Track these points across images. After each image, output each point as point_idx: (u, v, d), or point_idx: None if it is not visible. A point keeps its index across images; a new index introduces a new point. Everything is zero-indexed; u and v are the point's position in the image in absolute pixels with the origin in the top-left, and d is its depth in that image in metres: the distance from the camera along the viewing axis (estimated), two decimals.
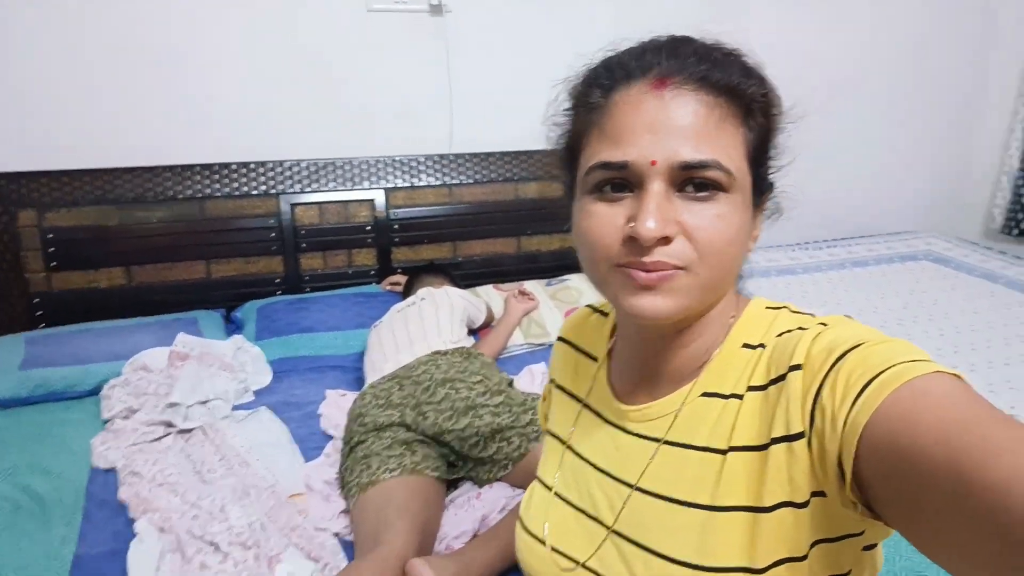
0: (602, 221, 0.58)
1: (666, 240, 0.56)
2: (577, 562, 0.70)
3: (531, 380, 1.90)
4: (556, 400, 0.82)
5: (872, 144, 3.31)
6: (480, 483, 1.53)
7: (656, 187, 0.56)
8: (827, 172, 3.14)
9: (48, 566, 1.31)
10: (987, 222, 3.56)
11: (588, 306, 0.85)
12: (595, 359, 0.78)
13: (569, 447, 0.76)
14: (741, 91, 0.58)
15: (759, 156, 0.61)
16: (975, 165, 3.54)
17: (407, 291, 2.25)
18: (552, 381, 0.85)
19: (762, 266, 2.90)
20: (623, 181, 0.58)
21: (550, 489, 0.76)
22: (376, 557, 1.21)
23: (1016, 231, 3.37)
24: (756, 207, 0.63)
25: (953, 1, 3.23)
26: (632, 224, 0.56)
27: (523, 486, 1.49)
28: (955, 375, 0.48)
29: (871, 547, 0.59)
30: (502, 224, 2.67)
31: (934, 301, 2.54)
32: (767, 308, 0.65)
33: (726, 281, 0.61)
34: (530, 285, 2.47)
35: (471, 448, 1.52)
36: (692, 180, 0.56)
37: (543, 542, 0.73)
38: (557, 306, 2.37)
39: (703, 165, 0.55)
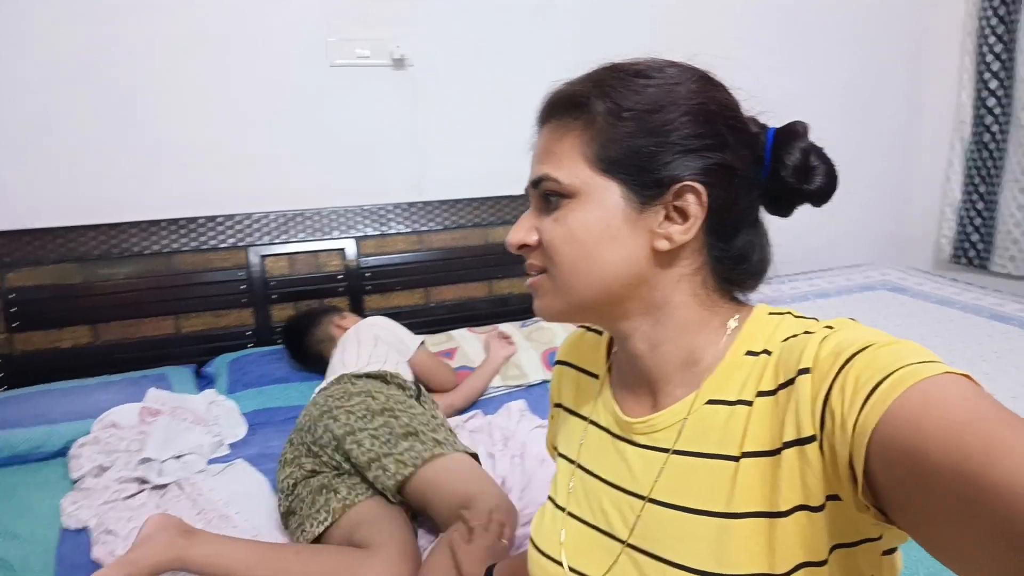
0: None
1: (528, 248, 0.68)
2: None
3: (507, 416, 1.89)
4: (562, 421, 0.83)
5: None
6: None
7: (531, 206, 0.69)
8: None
9: None
10: (936, 253, 3.71)
11: (581, 326, 0.87)
12: (596, 376, 0.80)
13: (579, 465, 0.76)
14: (576, 100, 0.65)
15: (620, 156, 0.63)
16: (917, 199, 3.70)
17: (310, 359, 2.17)
18: (557, 405, 0.86)
19: None
20: None
21: (563, 509, 0.76)
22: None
23: (964, 259, 3.51)
24: (652, 203, 0.63)
25: (885, 44, 3.43)
26: None
27: (417, 506, 1.45)
28: (964, 375, 0.48)
29: (890, 551, 0.59)
30: (473, 269, 2.68)
31: (896, 327, 2.62)
32: (770, 314, 0.66)
33: (594, 277, 0.64)
34: (505, 327, 2.47)
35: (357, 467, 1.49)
36: (544, 196, 0.67)
37: (559, 563, 0.72)
38: (533, 347, 2.38)
39: (536, 181, 0.67)
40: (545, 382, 2.30)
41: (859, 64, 3.41)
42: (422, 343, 2.02)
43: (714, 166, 0.63)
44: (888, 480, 0.47)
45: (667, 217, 0.63)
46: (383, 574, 1.20)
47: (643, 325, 0.67)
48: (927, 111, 3.59)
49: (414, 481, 1.41)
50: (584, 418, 0.78)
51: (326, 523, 1.38)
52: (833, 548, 0.55)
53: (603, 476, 0.72)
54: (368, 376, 1.72)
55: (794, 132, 0.67)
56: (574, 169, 0.64)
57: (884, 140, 3.57)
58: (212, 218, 2.40)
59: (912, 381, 0.47)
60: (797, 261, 3.43)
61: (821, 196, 0.67)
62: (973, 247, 3.47)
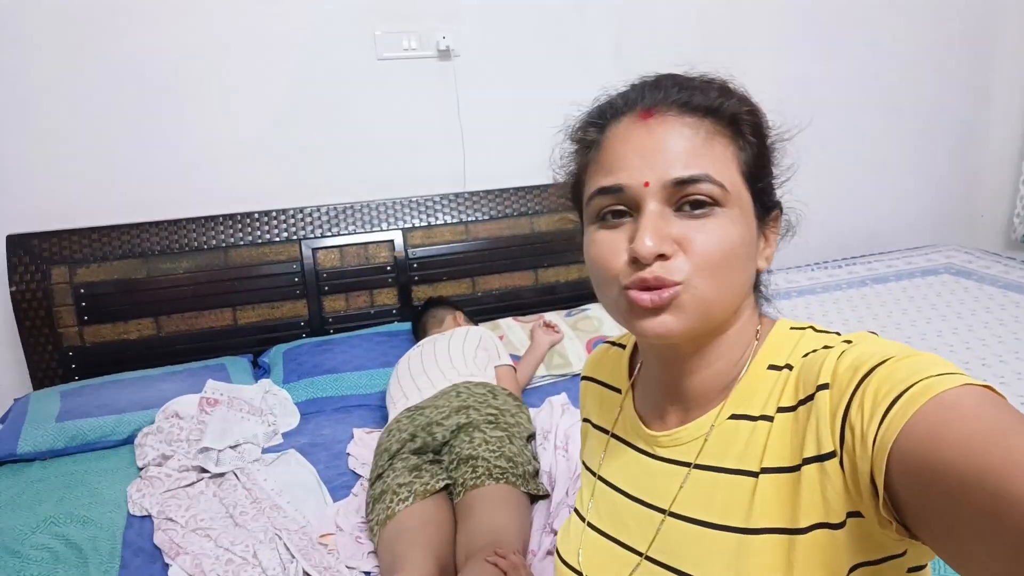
0: (605, 247, 0.62)
1: (664, 257, 0.58)
2: None
3: (550, 412, 1.91)
4: (588, 436, 0.84)
5: (882, 161, 3.33)
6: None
7: (652, 207, 0.59)
8: (840, 190, 3.19)
9: None
10: (1007, 232, 3.53)
11: (607, 342, 0.88)
12: (619, 391, 0.80)
13: (600, 478, 0.77)
14: (723, 110, 0.61)
15: (756, 173, 0.63)
16: (989, 177, 3.53)
17: (420, 328, 2.30)
18: (585, 420, 0.87)
19: (782, 288, 2.90)
20: (622, 207, 0.61)
21: (584, 520, 0.77)
22: None
23: None
24: (763, 226, 0.66)
25: (956, 14, 3.26)
26: (632, 245, 0.59)
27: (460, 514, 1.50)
28: (985, 386, 0.48)
29: (917, 569, 0.58)
30: (519, 258, 2.70)
31: (958, 315, 2.52)
32: (791, 329, 0.66)
33: (731, 296, 0.62)
34: (551, 316, 2.49)
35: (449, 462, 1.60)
36: (687, 198, 0.59)
37: (579, 573, 0.73)
38: (579, 336, 2.39)
39: (694, 180, 0.58)
40: None
41: (931, 39, 3.25)
42: (511, 366, 2.11)
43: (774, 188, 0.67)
44: (910, 494, 0.47)
45: (766, 236, 0.67)
46: None
47: (715, 344, 0.66)
48: (1002, 86, 3.40)
49: (483, 490, 1.48)
50: (606, 432, 0.79)
51: (408, 502, 1.46)
52: (855, 567, 0.55)
53: (624, 489, 0.73)
54: (510, 395, 1.84)
55: None
56: (730, 177, 0.61)
57: (955, 116, 3.41)
58: (266, 213, 2.48)
59: (932, 393, 0.47)
60: (859, 243, 3.34)
61: None
62: None
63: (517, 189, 2.71)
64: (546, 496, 1.57)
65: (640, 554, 0.68)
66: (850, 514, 0.53)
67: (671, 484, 0.67)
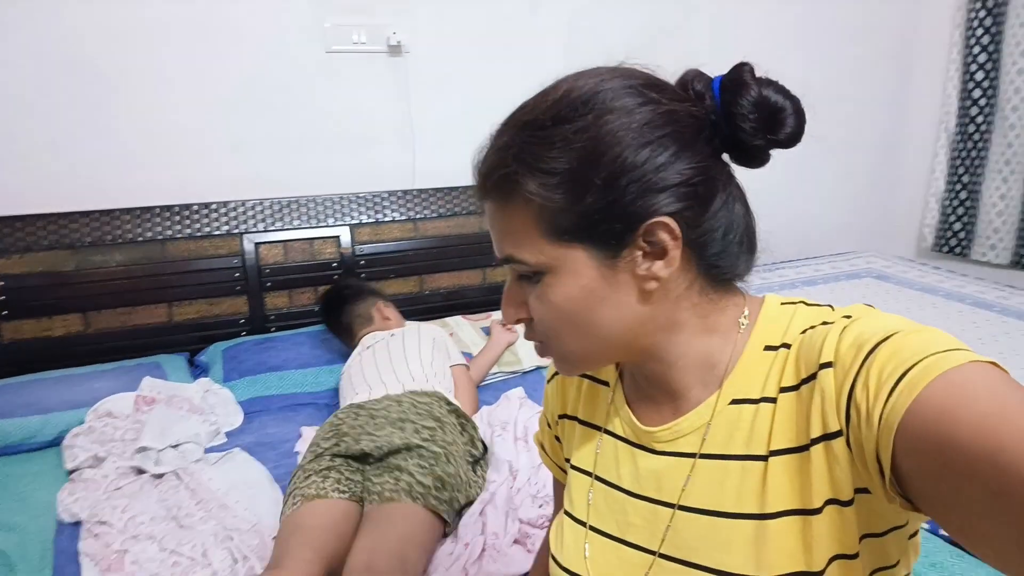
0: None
1: (525, 319, 0.65)
2: None
3: (508, 405, 1.90)
4: (575, 434, 0.79)
5: (810, 171, 3.48)
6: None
7: (509, 279, 0.66)
8: (767, 200, 3.31)
9: None
10: (919, 241, 3.76)
11: None
12: (606, 384, 0.77)
13: (597, 477, 0.73)
14: (504, 183, 0.60)
15: (570, 224, 0.58)
16: (902, 189, 3.75)
17: (344, 330, 2.19)
18: (563, 416, 0.82)
19: None
20: None
21: (583, 524, 0.73)
22: None
23: (946, 248, 3.57)
24: (628, 249, 0.59)
25: (873, 39, 3.47)
26: None
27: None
28: (991, 363, 0.47)
29: (914, 535, 0.59)
30: (467, 256, 2.68)
31: None
32: (782, 304, 0.65)
33: (599, 341, 0.63)
34: (500, 316, 2.48)
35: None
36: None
37: None
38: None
39: (505, 262, 0.64)
40: (539, 368, 2.31)
41: (848, 58, 3.43)
42: (464, 365, 2.06)
43: (672, 187, 0.57)
44: (917, 472, 0.47)
45: (645, 254, 0.59)
46: None
47: (657, 350, 0.65)
48: (914, 104, 3.63)
49: (393, 507, 1.41)
50: (598, 428, 0.75)
51: (295, 506, 1.43)
52: (862, 538, 0.55)
53: (625, 487, 0.70)
54: (456, 412, 1.75)
55: (740, 83, 0.60)
56: (535, 247, 0.60)
57: (872, 133, 3.62)
58: (206, 205, 2.37)
59: (938, 371, 0.46)
60: (787, 249, 3.47)
61: (790, 141, 0.62)
62: (955, 236, 3.51)
63: (467, 187, 2.69)
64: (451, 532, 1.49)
65: (653, 552, 0.66)
66: (858, 490, 0.54)
67: (677, 477, 0.65)
